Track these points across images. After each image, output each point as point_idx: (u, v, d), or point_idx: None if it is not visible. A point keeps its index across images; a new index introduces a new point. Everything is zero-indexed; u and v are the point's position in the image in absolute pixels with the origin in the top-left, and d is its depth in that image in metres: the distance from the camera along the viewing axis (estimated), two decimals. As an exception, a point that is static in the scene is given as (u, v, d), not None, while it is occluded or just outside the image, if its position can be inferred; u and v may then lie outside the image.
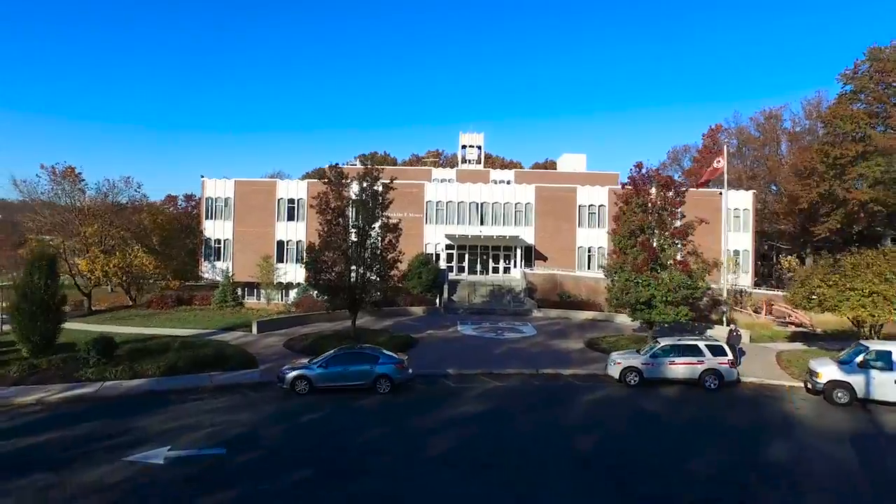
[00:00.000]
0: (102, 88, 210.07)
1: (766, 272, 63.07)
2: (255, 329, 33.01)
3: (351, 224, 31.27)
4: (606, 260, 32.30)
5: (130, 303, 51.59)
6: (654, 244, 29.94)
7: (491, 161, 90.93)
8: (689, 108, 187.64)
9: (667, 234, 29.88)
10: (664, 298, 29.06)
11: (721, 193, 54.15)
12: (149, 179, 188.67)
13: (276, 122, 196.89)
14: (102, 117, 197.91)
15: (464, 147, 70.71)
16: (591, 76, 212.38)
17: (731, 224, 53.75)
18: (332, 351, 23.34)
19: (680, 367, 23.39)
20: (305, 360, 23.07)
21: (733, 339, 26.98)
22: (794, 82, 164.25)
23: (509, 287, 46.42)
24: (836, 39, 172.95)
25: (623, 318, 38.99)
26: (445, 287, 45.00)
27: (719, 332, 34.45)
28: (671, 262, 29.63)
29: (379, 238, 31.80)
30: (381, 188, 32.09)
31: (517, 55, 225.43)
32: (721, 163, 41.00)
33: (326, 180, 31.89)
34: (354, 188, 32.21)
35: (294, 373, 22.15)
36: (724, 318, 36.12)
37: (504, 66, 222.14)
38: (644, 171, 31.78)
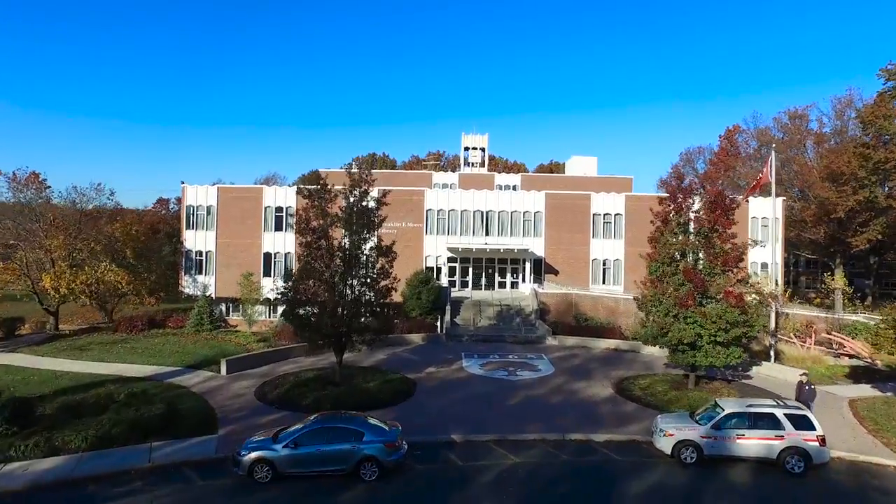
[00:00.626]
0: (90, 85, 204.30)
1: (792, 283, 57.50)
2: (223, 369, 27.48)
3: (336, 246, 25.75)
4: (639, 290, 26.74)
5: (106, 319, 46.33)
6: (700, 272, 24.40)
7: (494, 163, 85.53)
8: (703, 108, 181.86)
9: (717, 261, 24.27)
10: (713, 338, 23.57)
11: (747, 201, 48.84)
12: (142, 181, 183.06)
13: (270, 121, 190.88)
14: (93, 114, 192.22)
15: (466, 149, 65.27)
16: (596, 74, 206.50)
17: (758, 234, 48.28)
18: (303, 424, 17.75)
19: (752, 444, 17.81)
20: (267, 436, 17.47)
21: (806, 396, 21.42)
22: (808, 80, 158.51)
23: (518, 307, 40.89)
24: (857, 35, 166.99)
25: (650, 350, 33.55)
26: (448, 308, 39.49)
27: (769, 373, 28.99)
28: (721, 294, 24.05)
29: (370, 263, 26.31)
30: (373, 203, 26.54)
31: (520, 52, 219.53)
32: (766, 172, 35.31)
33: (306, 194, 26.36)
34: (343, 201, 26.68)
35: (253, 455, 16.63)
36: (772, 353, 30.49)
37: (507, 64, 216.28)
38: (686, 182, 26.26)
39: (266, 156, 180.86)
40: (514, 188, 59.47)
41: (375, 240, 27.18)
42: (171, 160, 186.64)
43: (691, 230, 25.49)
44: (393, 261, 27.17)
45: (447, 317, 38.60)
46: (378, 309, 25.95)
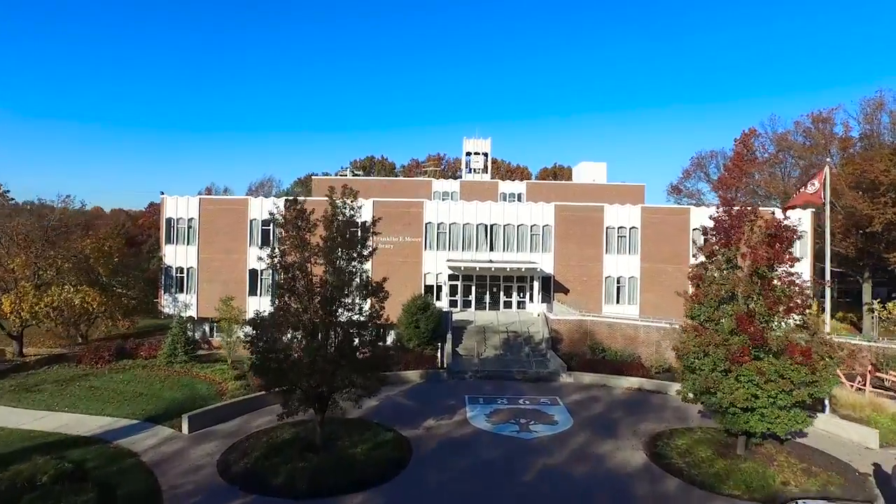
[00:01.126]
0: (81, 89, 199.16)
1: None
2: (185, 427, 22.81)
3: (318, 283, 21.07)
4: (678, 336, 22.02)
5: (80, 340, 41.82)
6: (756, 319, 19.70)
7: (496, 166, 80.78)
8: (713, 110, 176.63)
9: (777, 307, 19.54)
10: (773, 401, 18.93)
11: (773, 213, 44.12)
12: (136, 186, 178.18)
13: (266, 123, 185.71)
14: (85, 119, 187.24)
15: (468, 154, 60.48)
16: (601, 75, 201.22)
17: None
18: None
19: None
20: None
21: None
22: (828, 82, 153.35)
23: (527, 335, 36.23)
24: (879, 36, 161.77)
25: (678, 388, 28.92)
26: (449, 336, 34.87)
27: (827, 428, 24.24)
28: (784, 347, 19.35)
29: (357, 305, 21.62)
30: (362, 231, 21.82)
31: (522, 52, 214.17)
32: (815, 186, 30.53)
33: (280, 222, 21.67)
34: (326, 230, 21.97)
35: None
36: (826, 401, 25.70)
37: (508, 64, 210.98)
38: (736, 208, 21.59)
39: (262, 159, 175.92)
40: (520, 197, 54.84)
41: (366, 272, 22.51)
42: (166, 164, 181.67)
43: (741, 265, 20.78)
44: (385, 298, 22.56)
45: (448, 346, 34.00)
46: (367, 358, 21.23)
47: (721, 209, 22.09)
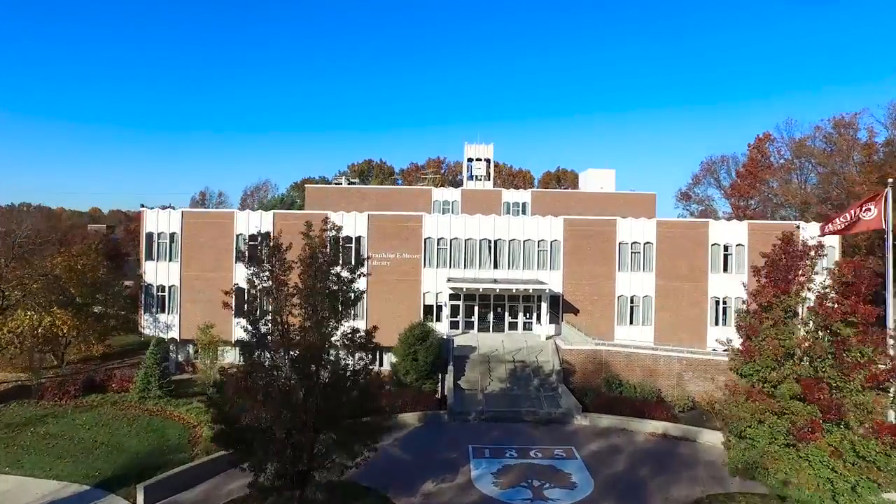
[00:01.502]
0: (74, 89, 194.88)
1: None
2: (140, 499, 19.02)
3: (295, 332, 17.29)
4: (722, 400, 18.23)
5: (55, 362, 38.19)
6: (828, 385, 15.90)
7: (497, 169, 76.97)
8: (722, 113, 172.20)
9: (856, 374, 15.70)
10: (850, 487, 15.17)
11: (799, 227, 40.33)
12: (132, 186, 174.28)
13: (262, 125, 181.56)
14: (76, 119, 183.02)
15: (469, 160, 56.59)
16: (605, 76, 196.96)
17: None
18: None
19: None
20: None
21: None
22: (840, 83, 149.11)
23: (536, 365, 32.47)
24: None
25: (709, 437, 25.28)
26: (450, 368, 31.13)
27: None
28: (863, 422, 15.56)
29: (342, 361, 17.83)
30: (348, 272, 17.97)
31: (523, 52, 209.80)
32: (872, 213, 26.30)
33: (245, 261, 17.89)
34: (304, 269, 18.14)
35: None
36: None
37: (510, 66, 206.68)
38: (801, 244, 17.84)
39: (257, 162, 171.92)
40: (524, 206, 51.04)
41: (356, 291, 18.70)
42: (164, 165, 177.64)
43: (806, 315, 17.01)
44: (374, 347, 18.82)
45: (450, 379, 30.26)
46: (355, 426, 17.43)
47: (776, 245, 18.20)
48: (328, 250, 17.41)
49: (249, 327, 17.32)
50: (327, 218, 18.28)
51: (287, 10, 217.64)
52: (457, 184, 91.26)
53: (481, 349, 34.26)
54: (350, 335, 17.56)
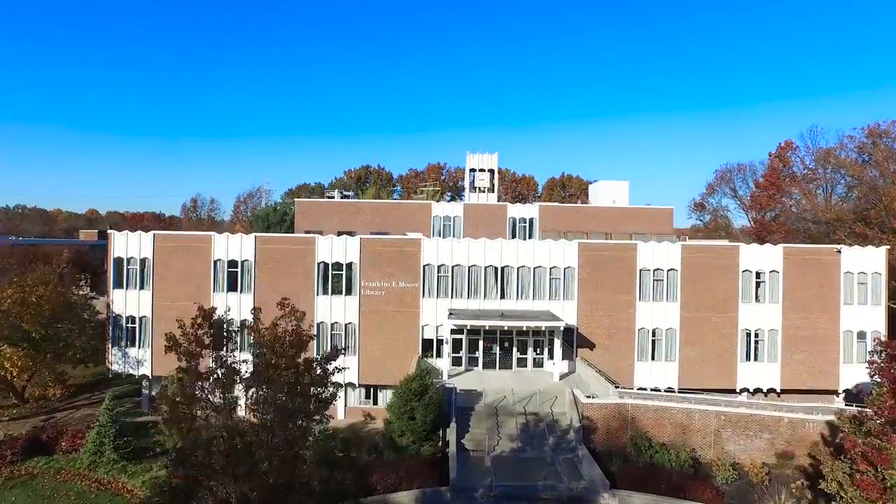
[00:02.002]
0: (63, 94, 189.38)
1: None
2: None
3: (249, 443, 12.50)
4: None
5: (16, 400, 33.67)
6: None
7: (501, 176, 71.98)
8: (736, 118, 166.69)
9: None
10: None
11: (839, 251, 35.57)
12: (131, 187, 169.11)
13: (257, 129, 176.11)
14: (67, 125, 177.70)
15: (472, 171, 51.67)
16: (609, 78, 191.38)
17: (854, 293, 35.15)
18: None
19: None
20: None
21: None
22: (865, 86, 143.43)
23: (551, 418, 27.62)
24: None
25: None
26: (453, 426, 26.31)
27: None
28: None
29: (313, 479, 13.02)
30: (320, 370, 13.15)
31: (525, 54, 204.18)
32: None
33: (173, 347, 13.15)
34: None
35: None
36: None
37: (511, 67, 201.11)
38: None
39: (252, 167, 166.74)
40: (531, 222, 46.21)
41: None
42: (161, 168, 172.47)
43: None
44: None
45: (452, 439, 25.47)
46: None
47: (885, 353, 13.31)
48: (289, 348, 12.52)
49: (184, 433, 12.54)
50: (292, 305, 13.36)
51: (286, 11, 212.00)
52: (458, 190, 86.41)
53: (488, 396, 29.42)
54: (325, 455, 12.72)
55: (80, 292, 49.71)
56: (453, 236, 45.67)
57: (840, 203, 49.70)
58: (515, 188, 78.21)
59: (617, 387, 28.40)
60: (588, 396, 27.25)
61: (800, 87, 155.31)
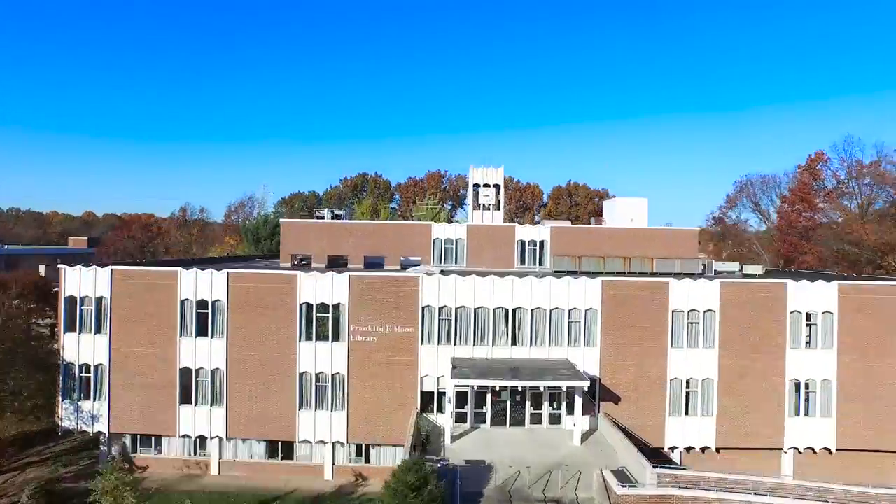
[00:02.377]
0: (52, 98, 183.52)
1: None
2: None
3: None
4: None
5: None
6: None
7: (504, 184, 66.70)
8: (753, 122, 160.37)
9: None
10: None
11: (899, 288, 30.33)
12: (130, 190, 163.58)
13: (251, 135, 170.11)
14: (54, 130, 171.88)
15: (476, 186, 46.40)
16: (614, 80, 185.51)
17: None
18: None
19: None
20: None
21: None
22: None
23: (577, 507, 22.43)
24: None
25: None
26: (459, 521, 21.17)
27: None
28: None
29: None
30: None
31: (526, 55, 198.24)
32: None
33: None
34: None
35: None
36: None
37: (512, 69, 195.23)
38: None
39: (248, 172, 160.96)
40: (542, 245, 41.05)
41: None
42: (158, 173, 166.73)
43: None
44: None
45: (458, 539, 20.34)
46: None
47: None
48: None
49: None
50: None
51: (284, 10, 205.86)
52: (459, 199, 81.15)
53: (498, 471, 24.21)
54: None
55: (44, 321, 44.67)
56: (455, 261, 40.55)
57: (876, 219, 44.25)
58: (520, 197, 72.91)
59: (655, 466, 23.11)
60: (622, 485, 22.00)
61: (817, 91, 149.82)
